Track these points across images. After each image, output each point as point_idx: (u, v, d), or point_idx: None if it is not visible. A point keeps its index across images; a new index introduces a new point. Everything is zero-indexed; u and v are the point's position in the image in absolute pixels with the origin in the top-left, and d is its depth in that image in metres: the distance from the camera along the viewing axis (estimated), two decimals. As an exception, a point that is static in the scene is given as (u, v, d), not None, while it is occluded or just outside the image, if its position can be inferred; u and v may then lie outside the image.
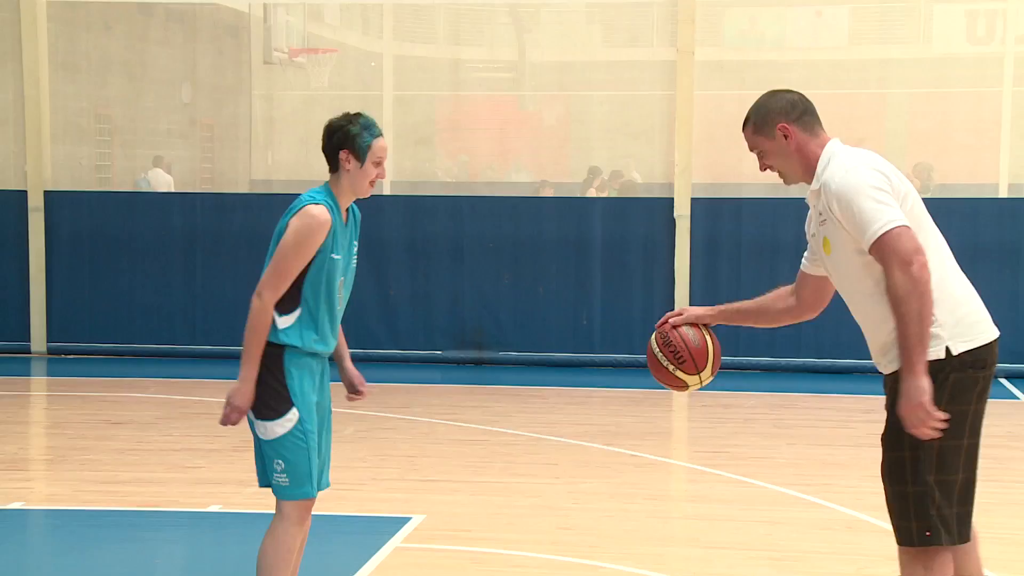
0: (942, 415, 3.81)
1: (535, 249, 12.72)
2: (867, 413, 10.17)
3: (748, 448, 9.16)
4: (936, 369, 3.88)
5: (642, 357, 12.72)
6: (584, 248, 12.77)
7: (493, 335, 12.81)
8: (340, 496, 7.24)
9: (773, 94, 4.46)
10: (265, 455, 5.02)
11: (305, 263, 4.83)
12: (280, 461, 4.99)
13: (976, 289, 4.36)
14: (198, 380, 12.30)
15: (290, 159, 16.52)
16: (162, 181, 16.00)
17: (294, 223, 4.76)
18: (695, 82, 12.67)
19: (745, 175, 14.24)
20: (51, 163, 13.66)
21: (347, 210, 5.09)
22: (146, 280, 13.27)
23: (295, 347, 4.97)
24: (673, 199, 12.39)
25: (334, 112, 5.13)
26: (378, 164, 4.89)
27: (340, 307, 5.26)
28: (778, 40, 17.37)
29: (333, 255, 4.96)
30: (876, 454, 8.96)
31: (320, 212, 4.78)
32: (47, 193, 13.31)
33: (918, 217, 4.16)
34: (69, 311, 13.45)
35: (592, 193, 15.30)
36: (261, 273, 4.84)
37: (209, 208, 13.77)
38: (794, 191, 15.05)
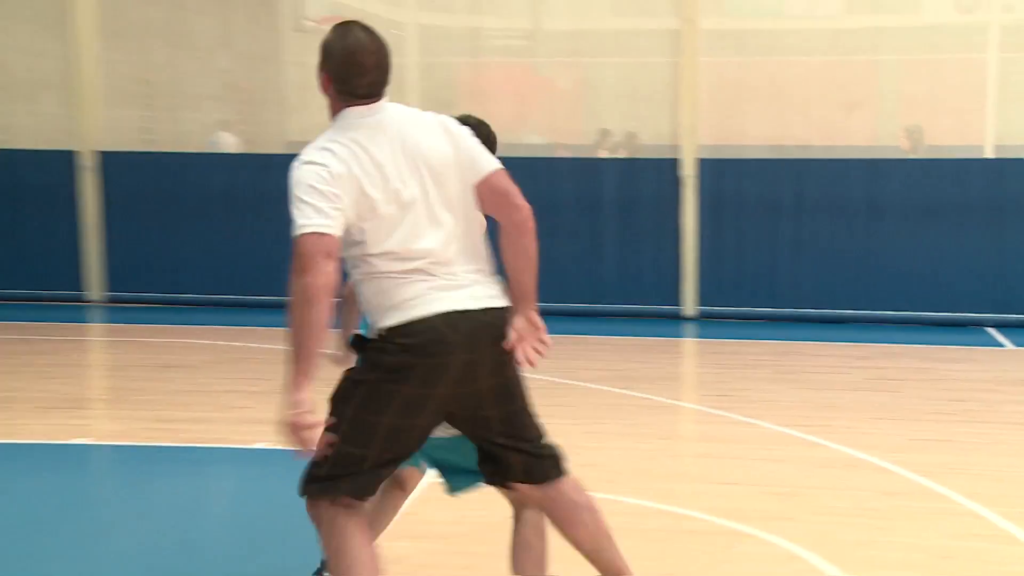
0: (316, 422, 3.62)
1: (551, 206, 12.52)
2: (863, 360, 10.50)
3: (753, 392, 9.29)
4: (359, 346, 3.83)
5: (653, 307, 12.80)
6: (596, 205, 12.74)
7: (513, 286, 12.48)
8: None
9: (344, 32, 3.86)
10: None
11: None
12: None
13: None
14: (243, 327, 12.36)
15: (323, 121, 16.61)
16: (229, 143, 16.15)
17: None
18: (699, 49, 12.63)
19: (748, 137, 14.65)
20: (101, 125, 13.59)
21: None
22: (193, 234, 13.36)
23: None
24: (679, 160, 12.38)
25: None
26: None
27: None
28: (777, 9, 17.30)
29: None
30: (873, 397, 9.13)
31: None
32: (99, 153, 13.31)
33: (388, 217, 3.68)
34: (123, 263, 13.53)
35: (603, 154, 15.10)
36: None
37: (250, 168, 13.79)
38: (795, 152, 15.08)
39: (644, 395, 9.10)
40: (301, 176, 3.61)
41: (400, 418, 3.69)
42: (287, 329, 3.71)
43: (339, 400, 3.81)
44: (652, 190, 12.59)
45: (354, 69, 3.75)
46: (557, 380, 9.51)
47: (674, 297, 12.39)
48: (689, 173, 12.25)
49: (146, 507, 6.73)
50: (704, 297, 12.40)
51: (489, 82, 17.41)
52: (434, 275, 3.69)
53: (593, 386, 9.60)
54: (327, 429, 3.69)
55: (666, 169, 12.44)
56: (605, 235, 12.72)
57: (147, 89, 15.72)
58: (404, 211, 3.62)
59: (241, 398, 9.17)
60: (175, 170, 13.78)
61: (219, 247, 13.43)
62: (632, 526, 5.45)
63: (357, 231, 3.60)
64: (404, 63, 15.85)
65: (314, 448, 3.78)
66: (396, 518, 5.12)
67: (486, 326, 3.75)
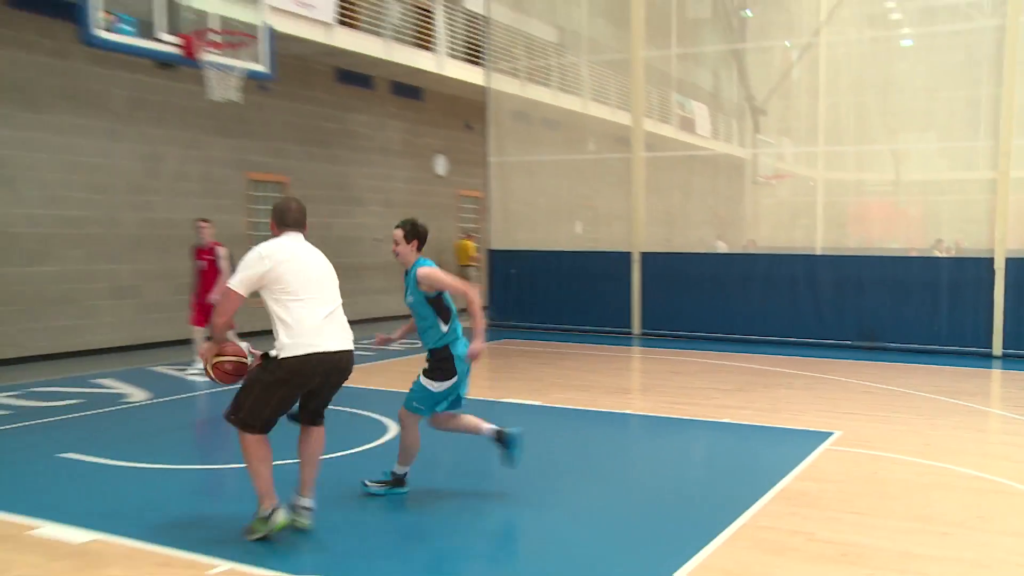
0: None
1: (907, 286, 15.36)
2: None
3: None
4: (270, 362, 5.74)
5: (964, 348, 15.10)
6: (935, 286, 15.05)
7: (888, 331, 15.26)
8: (792, 419, 9.71)
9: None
10: (428, 396, 6.89)
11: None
12: (420, 402, 6.93)
13: None
14: (717, 352, 15.21)
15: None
16: (722, 247, 20.05)
17: (433, 272, 6.79)
18: (1010, 190, 14.67)
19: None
20: (643, 238, 17.68)
21: None
22: (696, 297, 16.97)
23: (453, 348, 6.89)
24: (993, 258, 14.65)
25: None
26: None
27: None
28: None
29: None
30: None
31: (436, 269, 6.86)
32: (641, 253, 17.64)
33: (289, 275, 5.75)
34: (653, 313, 17.51)
35: (937, 253, 16.97)
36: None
37: (733, 261, 17.81)
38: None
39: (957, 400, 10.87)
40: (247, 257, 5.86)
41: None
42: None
43: None
44: (971, 279, 14.81)
45: None
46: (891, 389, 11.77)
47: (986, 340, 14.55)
48: (999, 267, 14.55)
49: (655, 451, 8.87)
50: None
51: (867, 211, 20.65)
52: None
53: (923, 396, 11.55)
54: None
55: (984, 264, 14.70)
56: (941, 305, 14.90)
57: (668, 219, 20.67)
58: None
59: (716, 393, 11.30)
60: (685, 261, 17.72)
61: (719, 304, 16.77)
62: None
63: None
64: (814, 201, 20.21)
65: None
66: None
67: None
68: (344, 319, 6.05)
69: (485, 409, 10.23)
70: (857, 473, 7.43)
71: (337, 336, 5.84)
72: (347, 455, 7.99)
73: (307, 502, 5.98)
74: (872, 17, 20.30)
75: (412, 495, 6.85)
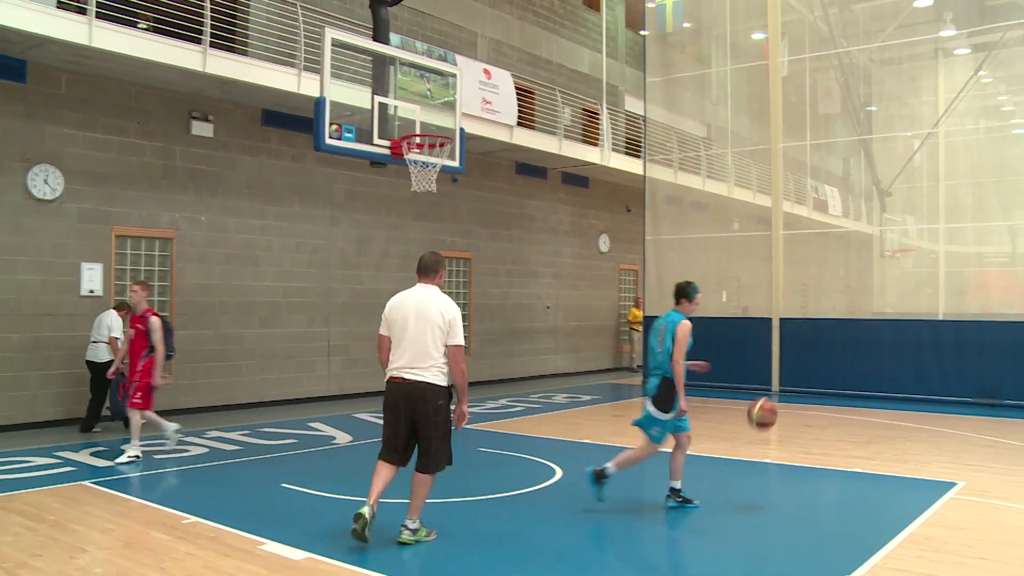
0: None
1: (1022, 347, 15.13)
2: None
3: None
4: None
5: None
6: None
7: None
8: (917, 470, 9.45)
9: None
10: (657, 424, 7.43)
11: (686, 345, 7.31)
12: (656, 429, 7.45)
13: None
14: (847, 407, 15.34)
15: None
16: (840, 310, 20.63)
17: (681, 328, 7.28)
18: None
19: None
20: (781, 306, 17.87)
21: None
22: (829, 359, 17.03)
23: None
24: None
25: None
26: (697, 305, 7.47)
27: None
28: None
29: (690, 340, 7.41)
30: None
31: (688, 323, 7.32)
32: (781, 319, 17.77)
33: (392, 324, 6.31)
34: (792, 370, 17.55)
35: None
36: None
37: (848, 326, 17.47)
38: None
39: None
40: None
41: None
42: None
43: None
44: None
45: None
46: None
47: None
48: None
49: (790, 497, 8.61)
50: None
51: (986, 281, 20.46)
52: None
53: None
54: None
55: None
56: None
57: (804, 288, 20.58)
58: None
59: (847, 445, 11.21)
60: (818, 326, 17.86)
61: (850, 365, 16.76)
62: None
63: None
64: (936, 272, 20.11)
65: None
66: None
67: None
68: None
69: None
70: (981, 521, 7.24)
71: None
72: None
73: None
74: (986, 109, 20.49)
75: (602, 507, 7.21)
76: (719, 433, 12.10)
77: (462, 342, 6.25)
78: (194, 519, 7.16)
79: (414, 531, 6.40)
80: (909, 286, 21.94)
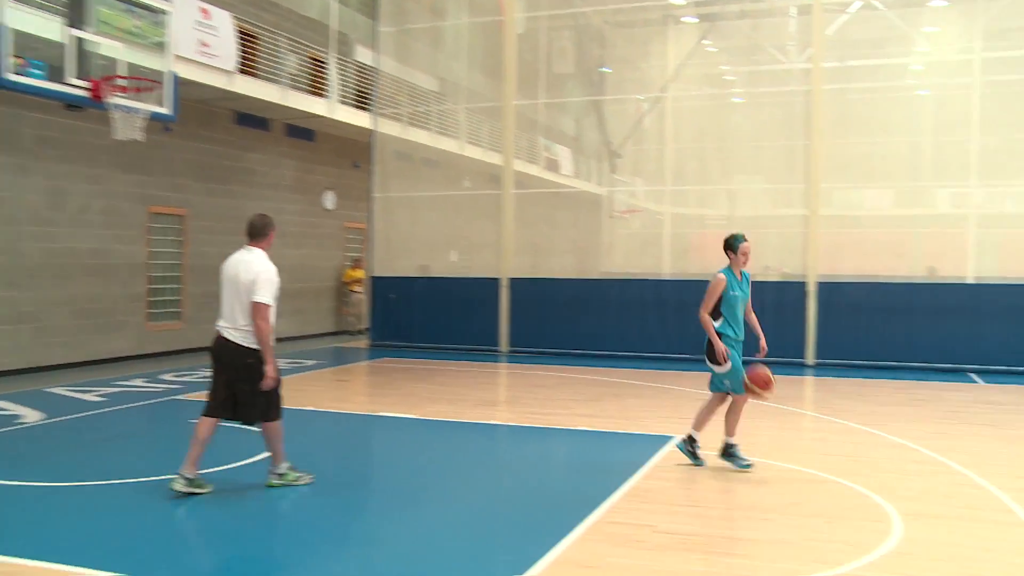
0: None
1: None
2: None
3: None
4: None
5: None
6: (758, 306, 14.50)
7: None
8: (639, 425, 9.86)
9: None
10: (718, 378, 7.46)
11: (717, 297, 7.25)
12: (727, 380, 7.41)
13: None
14: (572, 366, 15.33)
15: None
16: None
17: (712, 280, 7.22)
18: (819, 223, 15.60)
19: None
20: (511, 265, 17.66)
21: (740, 272, 7.33)
22: (557, 319, 17.04)
23: (723, 334, 7.34)
24: (806, 282, 15.48)
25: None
26: (744, 254, 7.26)
27: (740, 314, 7.35)
28: None
29: (732, 292, 7.26)
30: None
31: (720, 276, 7.22)
32: (510, 279, 17.62)
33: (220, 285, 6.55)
34: (519, 332, 17.49)
35: (764, 278, 16.26)
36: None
37: (581, 284, 18.09)
38: None
39: None
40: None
41: None
42: None
43: None
44: (791, 299, 15.61)
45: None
46: None
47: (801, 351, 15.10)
48: (811, 290, 15.61)
49: (516, 457, 8.77)
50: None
51: (707, 242, 19.87)
52: None
53: None
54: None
55: (799, 288, 15.58)
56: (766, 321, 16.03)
57: (534, 248, 20.96)
58: None
59: (574, 404, 11.41)
60: (548, 286, 17.84)
61: (578, 325, 16.78)
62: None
63: None
64: (663, 233, 21.13)
65: None
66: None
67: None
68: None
69: (363, 423, 10.24)
70: (693, 470, 7.60)
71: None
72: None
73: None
74: (710, 77, 21.51)
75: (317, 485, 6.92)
76: (443, 395, 11.95)
77: (264, 300, 6.37)
78: None
79: (281, 475, 6.75)
80: (636, 246, 22.70)
